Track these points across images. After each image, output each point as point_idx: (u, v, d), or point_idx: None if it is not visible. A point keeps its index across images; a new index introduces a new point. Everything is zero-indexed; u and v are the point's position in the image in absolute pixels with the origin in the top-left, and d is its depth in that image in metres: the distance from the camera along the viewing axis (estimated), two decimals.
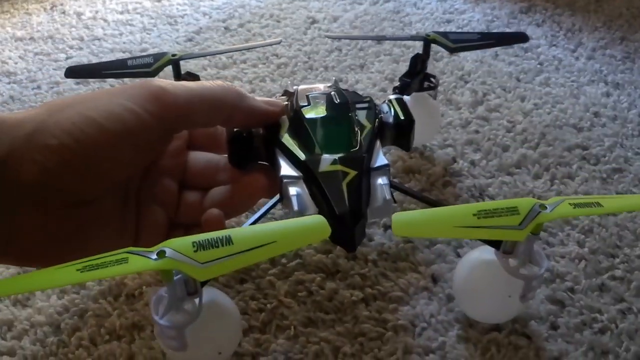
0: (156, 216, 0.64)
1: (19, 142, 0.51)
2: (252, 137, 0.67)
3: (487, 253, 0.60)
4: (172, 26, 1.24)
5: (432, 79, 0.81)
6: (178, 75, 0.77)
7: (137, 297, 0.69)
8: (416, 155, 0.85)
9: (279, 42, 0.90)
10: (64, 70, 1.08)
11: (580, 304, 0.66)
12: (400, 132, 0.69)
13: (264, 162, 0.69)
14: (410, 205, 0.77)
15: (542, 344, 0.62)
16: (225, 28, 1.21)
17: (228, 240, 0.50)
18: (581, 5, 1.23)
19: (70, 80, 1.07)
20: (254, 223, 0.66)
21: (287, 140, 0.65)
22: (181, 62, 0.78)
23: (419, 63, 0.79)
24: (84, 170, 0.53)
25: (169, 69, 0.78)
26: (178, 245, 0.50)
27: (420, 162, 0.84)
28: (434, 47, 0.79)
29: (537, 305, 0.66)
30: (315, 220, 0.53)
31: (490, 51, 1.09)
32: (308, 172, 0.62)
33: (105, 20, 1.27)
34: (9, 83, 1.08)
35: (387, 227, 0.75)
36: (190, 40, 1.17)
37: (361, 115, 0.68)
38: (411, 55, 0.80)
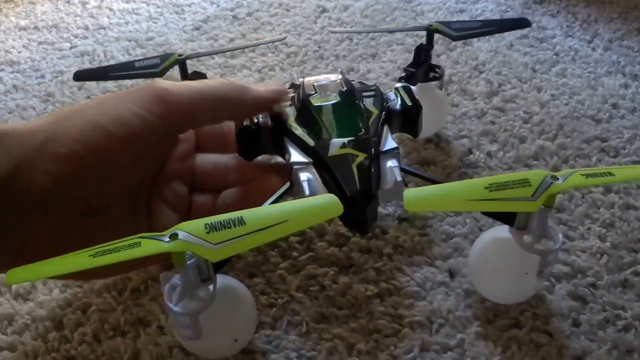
0: (168, 220, 0.63)
1: (30, 152, 0.52)
2: (260, 129, 0.66)
3: (501, 231, 0.59)
4: (178, 15, 1.21)
5: (437, 69, 0.80)
6: (185, 75, 0.76)
7: (142, 291, 0.67)
8: (431, 147, 0.83)
9: (284, 39, 0.89)
10: (68, 59, 1.09)
11: (603, 300, 0.63)
12: (407, 117, 0.68)
13: (274, 154, 0.68)
14: None
15: (564, 341, 0.60)
16: (233, 17, 1.19)
17: (240, 221, 0.50)
18: None
19: (74, 70, 1.04)
20: None
21: (295, 128, 0.64)
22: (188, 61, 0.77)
23: (422, 53, 0.78)
24: (94, 177, 0.54)
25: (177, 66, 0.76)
26: (190, 228, 0.49)
27: (435, 153, 0.82)
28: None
29: (558, 302, 0.63)
30: (327, 199, 0.53)
31: (504, 41, 1.06)
32: (318, 157, 0.61)
33: (110, 9, 1.25)
34: (12, 72, 1.06)
35: (401, 219, 0.72)
36: (197, 29, 1.15)
37: (368, 103, 0.67)
38: None
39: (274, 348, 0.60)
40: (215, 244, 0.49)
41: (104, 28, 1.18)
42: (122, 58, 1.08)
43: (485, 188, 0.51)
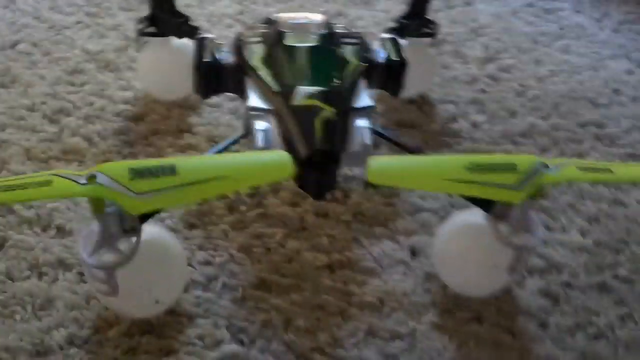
0: None
1: None
2: (221, 65, 0.59)
3: (475, 216, 0.52)
4: None
5: (431, 25, 0.73)
6: None
7: (68, 231, 0.60)
8: (412, 108, 0.76)
9: None
10: None
11: (576, 303, 0.57)
12: (390, 73, 0.62)
13: (233, 93, 0.62)
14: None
15: (527, 344, 0.53)
16: None
17: (171, 170, 0.43)
18: None
19: None
20: None
21: (259, 69, 0.57)
22: None
23: (419, 3, 0.71)
24: None
25: None
26: (112, 171, 0.43)
27: (417, 115, 0.75)
28: None
29: (527, 298, 0.57)
30: (278, 157, 0.45)
31: (509, 7, 0.99)
32: (279, 104, 0.54)
33: None
34: None
35: (367, 184, 0.65)
36: None
37: (348, 51, 0.60)
38: None
39: (203, 312, 0.54)
40: (138, 194, 0.42)
41: None
42: None
43: (466, 168, 0.44)
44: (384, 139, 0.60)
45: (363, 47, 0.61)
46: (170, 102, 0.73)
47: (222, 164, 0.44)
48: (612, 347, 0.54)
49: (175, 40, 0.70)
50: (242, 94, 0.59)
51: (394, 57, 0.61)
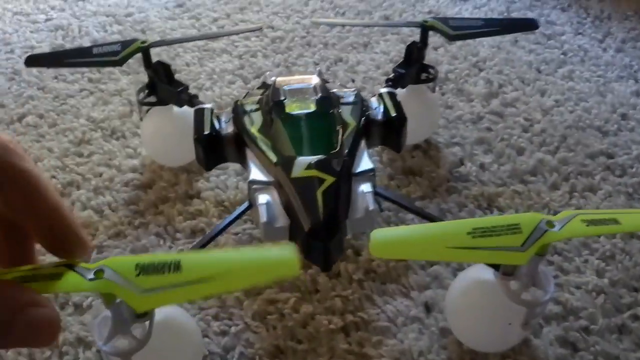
0: None
1: None
2: (221, 137, 0.59)
3: (485, 272, 0.51)
4: None
5: (431, 70, 0.72)
6: (148, 65, 0.68)
7: (85, 308, 0.60)
8: (419, 154, 0.75)
9: (259, 29, 0.81)
10: (41, 33, 1.01)
11: (596, 349, 0.56)
12: (389, 130, 0.61)
13: (235, 162, 0.62)
14: (407, 215, 0.68)
15: None
16: None
17: (176, 266, 0.43)
18: None
19: (45, 46, 0.98)
20: (222, 230, 0.58)
21: (259, 140, 0.57)
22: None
23: (415, 52, 0.70)
24: None
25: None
26: (119, 266, 0.42)
27: (423, 162, 0.74)
28: None
29: (545, 348, 0.56)
30: (283, 253, 0.44)
31: (509, 36, 0.98)
32: (280, 176, 0.54)
33: None
34: None
35: None
36: (180, 6, 1.07)
37: (345, 111, 0.60)
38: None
39: None
40: (143, 290, 0.42)
41: (82, 0, 1.10)
42: (97, 35, 1.00)
43: (468, 234, 0.44)
44: (389, 201, 0.60)
45: (359, 106, 0.61)
46: (177, 168, 0.74)
47: (226, 260, 0.44)
48: None
49: (176, 108, 0.70)
50: (243, 164, 0.60)
51: (392, 113, 0.60)
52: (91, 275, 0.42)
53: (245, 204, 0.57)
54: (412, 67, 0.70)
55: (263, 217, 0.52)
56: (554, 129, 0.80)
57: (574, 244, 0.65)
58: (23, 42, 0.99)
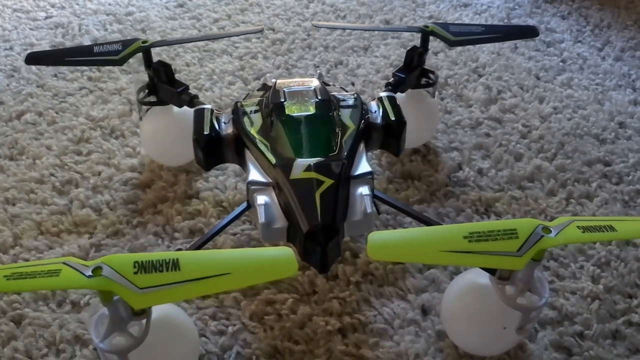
0: None
1: None
2: (220, 137, 0.60)
3: (481, 276, 0.52)
4: None
5: (431, 75, 0.72)
6: (149, 64, 0.68)
7: (83, 306, 0.60)
8: (417, 159, 0.76)
9: (260, 31, 0.81)
10: (41, 31, 1.01)
11: (590, 354, 0.57)
12: (389, 134, 0.61)
13: (234, 163, 0.62)
14: (405, 218, 0.68)
15: None
16: None
17: (175, 265, 0.43)
18: None
19: (45, 44, 0.98)
20: (220, 230, 0.58)
21: (258, 141, 0.57)
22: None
23: (415, 57, 0.70)
24: None
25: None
26: (117, 263, 0.43)
27: (421, 166, 0.75)
28: None
29: (540, 352, 0.57)
30: (281, 254, 0.44)
31: (508, 43, 0.99)
32: (279, 178, 0.54)
33: None
34: None
35: None
36: (181, 6, 1.07)
37: (345, 115, 0.60)
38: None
39: None
40: (141, 288, 0.42)
41: None
42: (97, 34, 1.00)
43: (465, 238, 0.44)
44: (386, 204, 0.60)
45: (359, 109, 0.61)
46: (176, 167, 0.74)
47: (225, 259, 0.44)
48: None
49: (176, 108, 0.71)
50: (242, 165, 0.60)
51: (392, 117, 0.61)
52: (89, 273, 0.43)
53: (244, 205, 0.57)
54: (413, 72, 0.70)
55: (261, 218, 0.52)
56: (552, 136, 0.81)
57: (569, 250, 0.66)
58: (22, 40, 0.99)
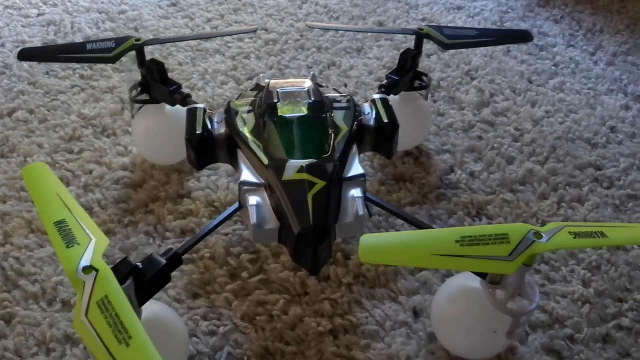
0: None
1: None
2: (213, 137, 0.59)
3: (472, 280, 0.52)
4: None
5: (424, 78, 0.72)
6: (142, 63, 0.68)
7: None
8: (410, 161, 0.76)
9: (254, 31, 0.81)
10: (33, 28, 1.01)
11: (580, 358, 0.57)
12: (381, 136, 0.61)
13: (226, 163, 0.62)
14: (397, 221, 0.68)
15: None
16: None
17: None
18: (604, 4, 1.13)
19: (37, 41, 0.97)
20: (212, 230, 0.57)
21: (251, 141, 0.57)
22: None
23: (409, 59, 0.70)
24: None
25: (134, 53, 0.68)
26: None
27: (413, 169, 0.75)
28: None
29: (531, 356, 0.57)
30: None
31: (501, 46, 0.99)
32: (271, 179, 0.54)
33: None
34: None
35: None
36: (174, 5, 1.07)
37: (338, 116, 0.60)
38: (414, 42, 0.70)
39: None
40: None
41: None
42: (90, 32, 1.00)
43: (456, 242, 0.44)
44: (378, 207, 0.60)
45: (352, 111, 0.61)
46: (168, 167, 0.74)
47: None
48: None
49: (168, 107, 0.70)
50: (235, 165, 0.60)
51: (385, 120, 0.61)
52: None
53: (236, 205, 0.57)
54: (406, 75, 0.70)
55: (253, 219, 0.52)
56: (544, 140, 0.81)
57: (561, 254, 0.66)
58: (14, 37, 0.99)
